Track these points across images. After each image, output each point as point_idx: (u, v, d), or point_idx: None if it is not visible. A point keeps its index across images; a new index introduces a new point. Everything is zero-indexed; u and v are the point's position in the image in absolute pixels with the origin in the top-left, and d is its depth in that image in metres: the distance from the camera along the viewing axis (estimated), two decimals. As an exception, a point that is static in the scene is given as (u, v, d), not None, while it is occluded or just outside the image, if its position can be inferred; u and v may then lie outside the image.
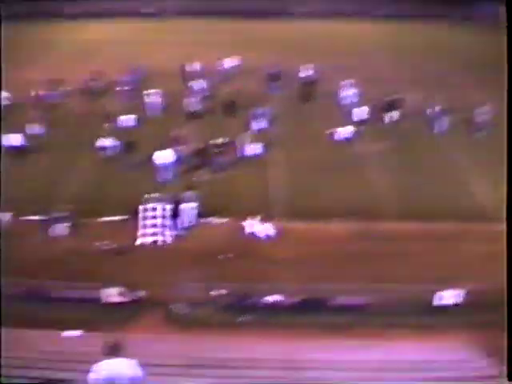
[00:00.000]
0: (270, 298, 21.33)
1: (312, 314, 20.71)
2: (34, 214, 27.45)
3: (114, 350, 12.67)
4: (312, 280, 22.23)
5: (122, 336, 15.42)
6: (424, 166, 32.82)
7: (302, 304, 21.30)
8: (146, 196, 26.54)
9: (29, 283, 21.68)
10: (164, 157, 30.89)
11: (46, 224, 26.47)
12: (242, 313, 20.94)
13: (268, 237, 25.70)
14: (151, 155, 31.61)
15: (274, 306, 21.20)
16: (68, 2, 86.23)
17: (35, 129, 37.02)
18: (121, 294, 21.09)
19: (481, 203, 29.03)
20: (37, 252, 24.86)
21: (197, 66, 49.29)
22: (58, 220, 26.48)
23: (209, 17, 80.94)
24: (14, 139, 34.95)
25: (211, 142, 33.56)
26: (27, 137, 35.65)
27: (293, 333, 20.01)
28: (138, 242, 25.42)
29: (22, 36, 71.65)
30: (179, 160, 32.69)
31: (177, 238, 25.86)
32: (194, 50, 56.90)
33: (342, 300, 21.30)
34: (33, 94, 42.01)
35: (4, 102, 40.80)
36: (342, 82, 43.77)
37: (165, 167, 30.93)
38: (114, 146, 34.07)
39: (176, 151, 32.71)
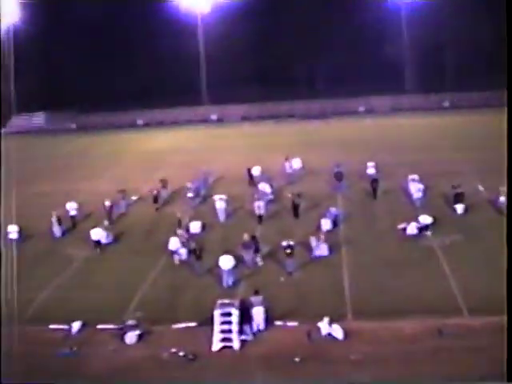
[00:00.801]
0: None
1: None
2: (107, 323, 27.70)
3: None
4: (386, 380, 21.69)
5: None
6: (493, 258, 31.47)
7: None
8: (218, 301, 26.51)
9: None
10: (229, 261, 30.98)
11: (118, 332, 26.62)
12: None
13: (338, 338, 25.30)
14: (218, 260, 31.75)
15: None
16: (137, 112, 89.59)
17: (104, 237, 37.73)
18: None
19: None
20: (110, 360, 24.94)
21: (261, 169, 49.98)
22: (130, 328, 26.61)
23: (270, 120, 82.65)
24: (96, 234, 36.75)
25: (279, 244, 33.56)
26: (98, 246, 36.57)
27: None
28: (215, 347, 25.25)
29: (92, 147, 74.22)
30: (247, 263, 32.85)
31: (247, 342, 25.65)
32: (257, 154, 57.92)
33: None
34: (102, 203, 42.94)
35: (73, 213, 41.92)
36: (408, 177, 43.81)
37: (231, 272, 31.02)
38: (184, 252, 34.47)
39: (243, 255, 32.95)
